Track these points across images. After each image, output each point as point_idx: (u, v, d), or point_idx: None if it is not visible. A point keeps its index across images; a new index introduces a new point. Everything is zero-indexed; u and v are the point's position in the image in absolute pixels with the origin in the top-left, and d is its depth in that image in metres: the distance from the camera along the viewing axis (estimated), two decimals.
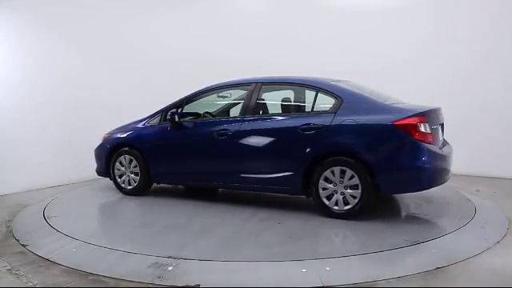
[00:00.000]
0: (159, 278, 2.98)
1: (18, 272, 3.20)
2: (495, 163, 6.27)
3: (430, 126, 4.10)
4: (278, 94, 4.97)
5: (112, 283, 2.98)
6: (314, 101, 4.45)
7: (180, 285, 2.90)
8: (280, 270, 3.09)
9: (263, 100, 4.82)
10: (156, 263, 3.17)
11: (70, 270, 3.19)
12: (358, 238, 3.79)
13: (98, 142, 5.84)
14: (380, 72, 6.77)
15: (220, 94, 5.20)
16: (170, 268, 3.10)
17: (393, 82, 6.52)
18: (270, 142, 4.48)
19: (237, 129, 4.62)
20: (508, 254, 3.42)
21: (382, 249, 3.35)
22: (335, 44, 7.45)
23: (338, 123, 4.18)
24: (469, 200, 4.86)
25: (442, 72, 6.69)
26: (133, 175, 5.35)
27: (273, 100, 4.86)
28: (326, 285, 2.85)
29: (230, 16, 8.07)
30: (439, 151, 4.18)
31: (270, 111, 4.80)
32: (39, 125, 6.08)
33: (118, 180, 5.48)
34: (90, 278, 3.07)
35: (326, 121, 4.23)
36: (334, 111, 4.25)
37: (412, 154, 4.00)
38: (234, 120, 4.78)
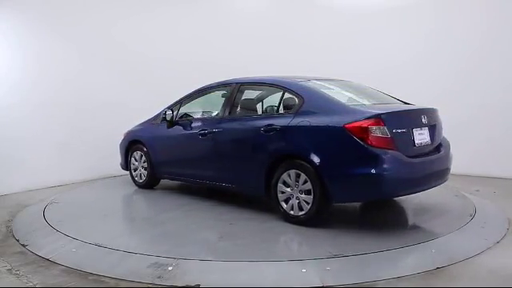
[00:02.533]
0: (159, 278, 2.98)
1: (18, 272, 3.20)
2: (495, 163, 6.26)
3: (392, 130, 3.68)
4: (254, 94, 4.99)
5: (112, 283, 2.98)
6: (280, 101, 4.37)
7: (180, 285, 2.90)
8: (280, 269, 3.09)
9: (239, 100, 4.84)
10: (156, 263, 3.17)
11: (70, 270, 3.19)
12: (293, 244, 3.74)
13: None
14: (381, 73, 6.78)
15: (209, 95, 5.29)
16: (170, 268, 3.10)
17: (393, 82, 6.53)
18: (238, 143, 4.60)
19: (213, 129, 4.76)
20: (508, 254, 3.41)
21: (382, 249, 3.35)
22: (335, 45, 7.45)
23: (294, 124, 4.02)
24: (469, 200, 4.85)
25: (443, 72, 6.69)
26: (143, 170, 5.73)
27: (247, 101, 4.85)
28: (325, 285, 2.85)
29: (230, 17, 8.05)
30: (402, 158, 3.69)
31: (243, 112, 4.80)
32: (39, 125, 6.09)
33: (133, 173, 5.91)
34: (90, 277, 3.07)
35: (285, 122, 4.11)
36: (294, 112, 4.13)
37: (362, 159, 3.64)
38: (213, 120, 4.95)
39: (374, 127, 3.63)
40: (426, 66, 6.82)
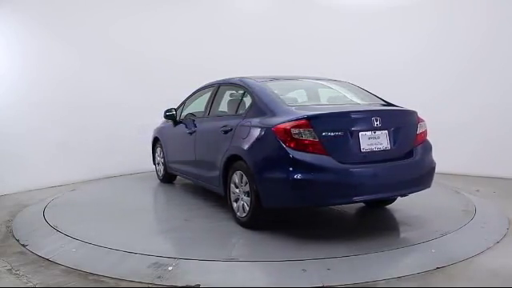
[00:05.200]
0: (159, 278, 2.98)
1: (18, 272, 3.20)
2: (495, 163, 6.27)
3: (322, 133, 3.45)
4: (228, 95, 5.01)
5: (112, 283, 2.97)
6: (240, 101, 4.40)
7: (180, 285, 2.90)
8: (280, 269, 3.09)
9: (215, 101, 4.97)
10: (156, 263, 3.17)
11: (70, 270, 3.18)
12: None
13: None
14: (381, 74, 6.81)
15: (204, 95, 5.40)
16: (170, 268, 3.10)
17: (394, 83, 6.56)
18: (207, 142, 4.73)
19: (195, 129, 5.04)
20: (508, 254, 3.41)
21: (382, 249, 3.35)
22: (336, 46, 7.44)
23: (240, 125, 4.04)
24: (469, 200, 4.85)
25: (443, 73, 6.70)
26: (162, 165, 6.17)
27: (220, 101, 4.96)
28: (326, 285, 2.85)
29: (229, 18, 8.05)
30: (331, 163, 3.43)
31: (216, 112, 4.91)
32: (39, 124, 6.09)
33: (156, 168, 6.40)
34: (90, 277, 3.07)
35: (235, 122, 4.13)
36: (245, 112, 4.14)
37: (284, 163, 3.47)
38: (196, 120, 5.18)
39: (297, 130, 3.45)
40: (427, 67, 6.83)
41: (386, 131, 3.68)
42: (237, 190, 4.04)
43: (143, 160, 6.96)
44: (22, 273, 3.18)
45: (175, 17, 7.61)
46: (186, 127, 5.28)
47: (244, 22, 7.95)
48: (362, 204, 4.66)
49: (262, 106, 3.95)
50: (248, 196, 3.84)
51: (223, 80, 4.97)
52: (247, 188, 3.84)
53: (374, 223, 4.15)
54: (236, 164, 4.02)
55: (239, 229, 3.95)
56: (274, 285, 2.92)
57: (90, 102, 6.60)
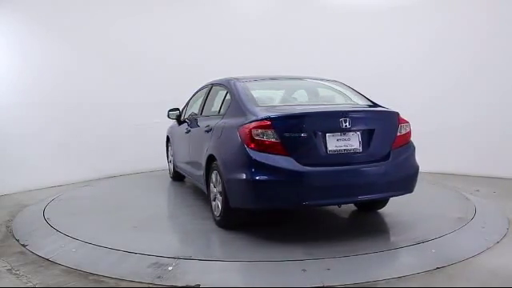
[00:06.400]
0: (159, 278, 2.98)
1: (18, 272, 3.20)
2: (495, 163, 6.27)
3: (283, 134, 3.40)
4: (216, 95, 5.06)
5: (112, 283, 2.97)
6: (223, 101, 4.41)
7: (180, 285, 2.90)
8: (280, 269, 3.09)
9: (207, 101, 5.03)
10: (156, 263, 3.16)
11: (70, 270, 3.18)
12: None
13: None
14: (382, 75, 6.82)
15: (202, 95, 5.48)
16: (170, 268, 3.09)
17: (395, 84, 6.56)
18: (196, 141, 4.78)
19: (190, 128, 5.16)
20: (508, 254, 3.41)
21: (382, 249, 3.35)
22: (336, 46, 7.44)
23: (217, 125, 4.08)
24: (469, 200, 4.85)
25: (444, 74, 6.69)
26: (171, 163, 6.32)
27: (209, 101, 5.00)
28: (325, 285, 2.85)
29: (229, 18, 8.04)
30: (293, 165, 3.36)
31: (206, 111, 4.95)
32: (38, 124, 6.10)
33: (168, 166, 6.56)
34: (90, 277, 3.07)
35: (215, 123, 4.17)
36: (224, 113, 4.17)
37: (244, 164, 3.47)
38: (191, 120, 5.25)
39: (258, 131, 3.42)
40: (427, 67, 6.83)
41: (358, 133, 3.56)
42: (215, 190, 4.06)
43: (143, 160, 6.97)
44: (22, 273, 3.18)
45: (174, 18, 7.60)
46: (186, 126, 5.37)
47: (244, 23, 7.95)
48: (355, 207, 4.62)
49: (237, 107, 3.95)
50: (222, 195, 3.84)
51: (215, 80, 5.00)
52: (220, 188, 3.84)
53: (373, 223, 4.15)
54: (213, 164, 4.04)
55: (238, 229, 3.94)
56: (273, 285, 2.91)
57: (91, 102, 6.61)
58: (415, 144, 3.92)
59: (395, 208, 4.65)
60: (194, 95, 5.73)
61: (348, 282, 2.88)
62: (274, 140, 3.40)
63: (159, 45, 7.38)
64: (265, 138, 3.41)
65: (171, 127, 6.31)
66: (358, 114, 3.80)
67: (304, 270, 3.01)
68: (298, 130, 3.44)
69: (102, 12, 6.81)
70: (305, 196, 3.43)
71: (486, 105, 6.32)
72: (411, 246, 3.42)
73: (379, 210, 4.45)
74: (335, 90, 4.54)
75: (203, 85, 5.45)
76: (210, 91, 5.03)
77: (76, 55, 6.57)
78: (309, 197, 3.44)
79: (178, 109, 5.77)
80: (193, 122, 5.16)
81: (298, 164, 3.37)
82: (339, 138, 3.51)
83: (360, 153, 3.56)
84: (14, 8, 5.89)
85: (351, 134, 3.54)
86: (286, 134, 3.41)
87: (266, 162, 3.37)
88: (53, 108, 6.22)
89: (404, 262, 3.27)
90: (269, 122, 3.44)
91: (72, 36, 6.49)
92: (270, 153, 3.39)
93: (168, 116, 5.80)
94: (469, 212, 4.31)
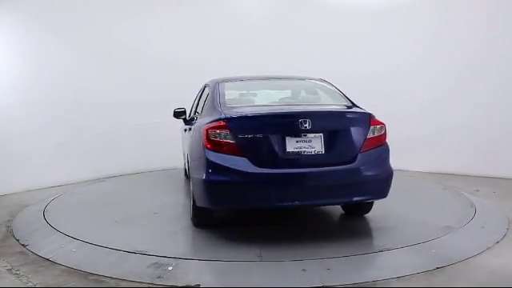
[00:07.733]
0: (159, 278, 2.98)
1: (18, 272, 3.20)
2: (495, 163, 6.27)
3: (238, 135, 3.39)
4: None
5: (112, 283, 2.97)
6: (205, 101, 4.44)
7: (180, 285, 2.90)
8: (280, 269, 3.09)
9: (200, 101, 5.04)
10: (156, 263, 3.17)
11: (70, 270, 3.18)
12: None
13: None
14: (382, 75, 6.80)
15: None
16: (170, 268, 3.10)
17: (395, 84, 6.55)
18: (185, 140, 4.83)
19: (186, 127, 5.15)
20: (508, 254, 3.41)
21: (381, 249, 3.35)
22: (336, 46, 7.43)
23: (194, 125, 4.17)
24: (469, 200, 4.85)
25: (444, 74, 6.69)
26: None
27: (202, 101, 4.99)
28: (325, 285, 2.85)
29: (229, 18, 8.01)
30: (243, 166, 3.33)
31: (199, 111, 4.94)
32: (38, 124, 6.10)
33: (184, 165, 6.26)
34: (90, 277, 3.07)
35: (194, 122, 4.30)
36: (200, 113, 4.28)
37: (202, 164, 3.50)
38: (189, 118, 5.23)
39: (214, 131, 3.45)
40: (427, 67, 6.82)
41: (321, 134, 3.45)
42: (191, 188, 4.09)
43: (143, 159, 6.97)
44: (22, 273, 3.18)
45: (175, 18, 7.59)
46: (186, 126, 5.40)
47: (244, 23, 7.92)
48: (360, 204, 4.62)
49: (208, 107, 4.04)
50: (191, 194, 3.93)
51: (210, 80, 5.03)
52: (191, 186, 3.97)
53: (373, 224, 4.14)
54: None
55: (238, 229, 3.94)
56: (273, 285, 2.91)
57: (91, 102, 6.61)
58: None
59: (394, 208, 4.66)
60: (197, 95, 5.73)
61: (348, 282, 2.88)
62: (228, 140, 3.40)
63: (160, 45, 7.37)
64: (220, 139, 3.43)
65: (182, 126, 6.31)
66: (322, 115, 3.72)
67: (304, 270, 3.01)
68: (254, 131, 3.43)
69: (103, 12, 6.81)
70: (259, 198, 3.41)
71: (486, 104, 6.31)
72: (411, 246, 3.42)
73: (378, 211, 4.45)
74: (315, 91, 4.51)
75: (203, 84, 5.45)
76: (203, 91, 5.10)
77: (76, 55, 6.57)
78: (263, 199, 3.41)
79: (183, 108, 5.57)
80: (189, 121, 5.22)
81: (251, 165, 3.34)
82: (299, 139, 3.44)
83: (322, 155, 3.45)
84: (14, 8, 5.90)
85: (312, 135, 3.45)
86: (242, 135, 3.41)
87: (219, 162, 3.38)
88: (52, 107, 6.22)
89: (404, 262, 3.26)
90: (224, 123, 3.46)
91: (72, 36, 6.48)
92: (224, 153, 3.40)
93: (174, 115, 5.52)
94: (469, 212, 4.31)
